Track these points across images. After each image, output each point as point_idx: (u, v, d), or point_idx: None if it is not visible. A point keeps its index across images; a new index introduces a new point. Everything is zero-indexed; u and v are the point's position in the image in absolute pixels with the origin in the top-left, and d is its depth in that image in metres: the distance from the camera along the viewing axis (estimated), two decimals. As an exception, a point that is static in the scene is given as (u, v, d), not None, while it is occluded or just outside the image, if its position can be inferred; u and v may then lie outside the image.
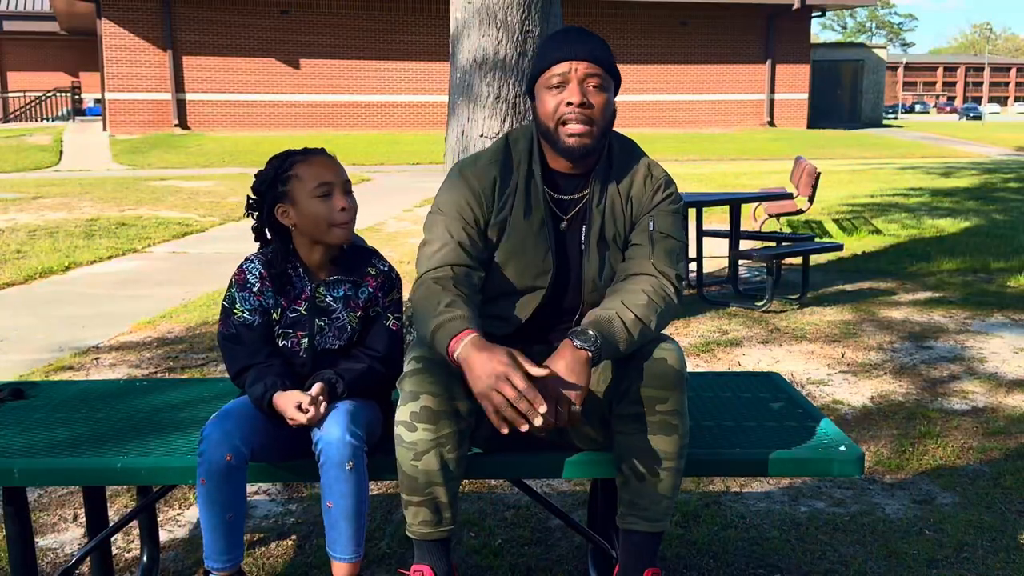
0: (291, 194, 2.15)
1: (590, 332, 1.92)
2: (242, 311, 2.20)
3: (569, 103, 2.03)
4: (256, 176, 2.20)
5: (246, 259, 2.24)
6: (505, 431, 1.83)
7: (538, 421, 1.80)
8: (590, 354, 1.91)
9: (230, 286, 2.23)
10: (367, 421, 2.12)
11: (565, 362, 1.90)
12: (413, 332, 4.65)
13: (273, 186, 2.17)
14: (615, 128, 2.17)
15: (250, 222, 2.27)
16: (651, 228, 2.12)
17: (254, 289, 2.20)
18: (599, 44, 2.08)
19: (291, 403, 2.06)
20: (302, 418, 2.04)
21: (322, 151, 2.21)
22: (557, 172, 2.14)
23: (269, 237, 2.24)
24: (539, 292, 2.13)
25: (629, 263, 2.12)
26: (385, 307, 2.25)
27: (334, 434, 2.02)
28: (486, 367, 1.81)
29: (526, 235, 2.10)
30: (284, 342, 2.21)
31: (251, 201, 2.22)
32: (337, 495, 2.03)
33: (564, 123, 2.04)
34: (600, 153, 2.14)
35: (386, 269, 2.26)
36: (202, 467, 2.01)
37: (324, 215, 2.14)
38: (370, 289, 2.23)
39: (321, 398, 2.09)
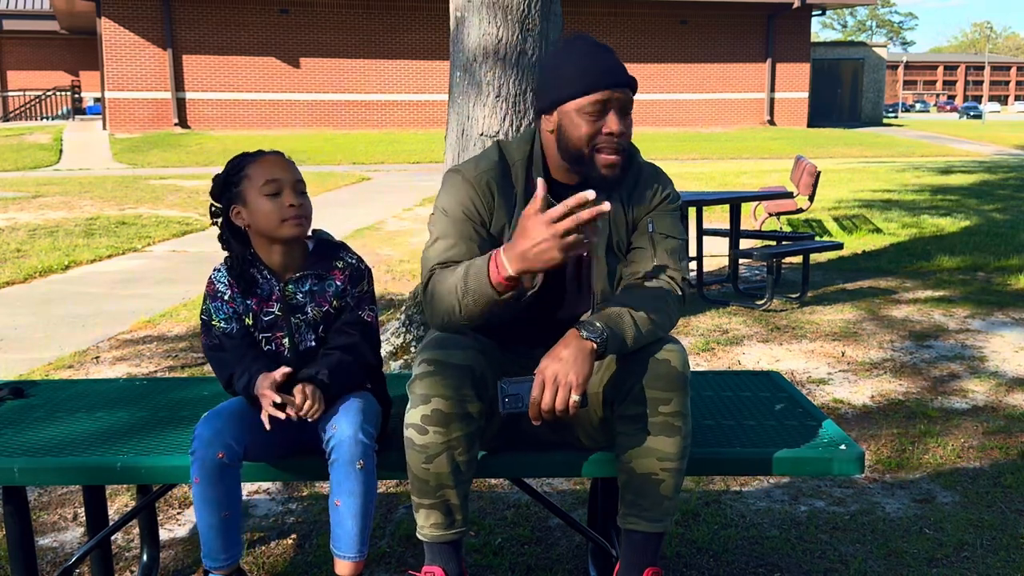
0: (242, 194, 2.15)
1: (597, 324, 1.92)
2: (219, 321, 2.20)
3: (610, 133, 1.99)
4: (213, 180, 2.21)
5: (214, 269, 2.25)
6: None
7: (606, 206, 1.73)
8: (595, 345, 1.90)
9: (204, 299, 2.24)
10: (375, 418, 2.12)
11: (569, 351, 1.89)
12: (413, 331, 4.66)
13: (227, 187, 2.17)
14: None
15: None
16: (651, 230, 2.12)
17: (225, 297, 2.21)
18: (621, 64, 2.05)
19: (272, 389, 2.02)
20: (278, 413, 2.01)
21: (275, 151, 2.21)
22: (560, 183, 2.11)
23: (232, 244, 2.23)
24: (523, 301, 2.08)
25: (633, 266, 2.12)
26: (355, 298, 2.22)
27: (346, 432, 2.01)
28: (531, 234, 1.77)
29: None
30: (267, 346, 2.21)
31: (214, 208, 2.22)
32: (346, 493, 2.03)
33: (599, 150, 2.01)
34: None
35: (354, 261, 2.24)
36: (195, 466, 2.02)
37: (273, 212, 2.13)
38: (337, 283, 2.21)
39: (308, 396, 2.05)
